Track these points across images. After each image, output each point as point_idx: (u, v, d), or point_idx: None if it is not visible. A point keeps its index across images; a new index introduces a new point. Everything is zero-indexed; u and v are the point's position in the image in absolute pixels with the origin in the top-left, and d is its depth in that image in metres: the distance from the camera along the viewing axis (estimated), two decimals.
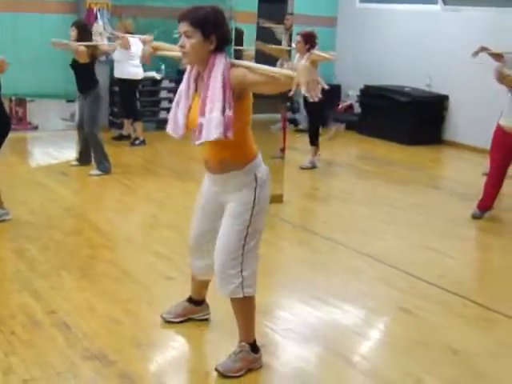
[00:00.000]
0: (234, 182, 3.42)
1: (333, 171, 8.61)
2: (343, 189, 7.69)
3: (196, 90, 3.40)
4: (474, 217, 6.55)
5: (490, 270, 5.52)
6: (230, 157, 3.38)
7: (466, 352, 3.91)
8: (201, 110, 3.25)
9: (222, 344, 3.84)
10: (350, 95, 11.67)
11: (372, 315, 4.44)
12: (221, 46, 3.31)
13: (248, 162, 3.40)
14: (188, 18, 3.24)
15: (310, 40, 7.81)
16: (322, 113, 8.64)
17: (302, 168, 8.38)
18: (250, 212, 3.40)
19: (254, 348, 3.59)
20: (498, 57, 6.53)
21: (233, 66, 3.28)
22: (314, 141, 8.49)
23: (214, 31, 3.26)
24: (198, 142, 3.28)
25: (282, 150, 8.80)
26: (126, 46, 8.59)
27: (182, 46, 3.27)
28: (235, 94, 3.22)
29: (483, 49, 6.76)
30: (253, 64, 3.44)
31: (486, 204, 6.55)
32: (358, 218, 6.52)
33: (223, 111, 3.18)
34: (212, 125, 3.18)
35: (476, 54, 6.85)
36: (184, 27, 3.25)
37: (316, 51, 7.72)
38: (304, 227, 6.20)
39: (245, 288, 3.46)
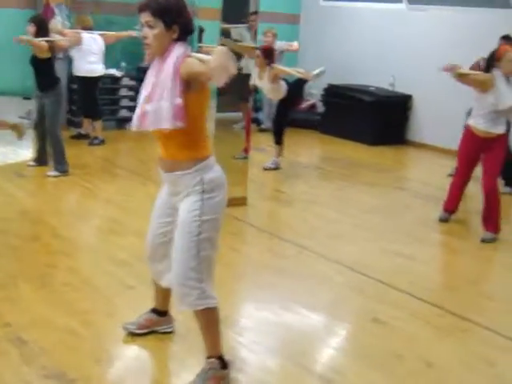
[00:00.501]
0: (183, 183, 3.27)
1: (297, 172, 8.46)
2: (308, 191, 7.54)
3: None
4: (442, 220, 6.48)
5: (459, 276, 5.40)
6: (179, 154, 3.24)
7: (440, 364, 3.80)
8: (149, 96, 3.13)
9: (187, 358, 3.68)
10: (313, 94, 11.55)
11: (342, 325, 4.32)
12: (183, 36, 3.18)
13: (197, 162, 3.24)
14: (149, 8, 3.10)
15: (269, 55, 7.72)
16: (287, 112, 8.49)
17: (266, 169, 8.22)
18: (198, 221, 3.23)
19: (223, 363, 3.42)
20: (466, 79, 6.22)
21: (189, 56, 3.14)
22: (278, 140, 8.34)
23: (177, 20, 3.14)
24: (135, 128, 3.14)
25: (246, 151, 8.67)
26: (77, 43, 8.35)
27: (145, 37, 3.13)
28: (186, 84, 3.08)
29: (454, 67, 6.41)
30: (205, 56, 3.26)
31: (452, 205, 6.48)
32: (325, 221, 6.38)
33: (172, 100, 3.04)
34: (159, 113, 3.06)
35: (447, 71, 6.48)
36: (146, 17, 3.12)
37: (279, 66, 7.69)
38: (269, 231, 6.03)
39: (206, 299, 3.29)
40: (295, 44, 9.89)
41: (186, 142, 3.22)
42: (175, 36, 3.14)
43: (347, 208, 6.81)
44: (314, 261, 5.32)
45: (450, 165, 8.40)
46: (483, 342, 4.13)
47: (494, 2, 9.25)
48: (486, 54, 6.14)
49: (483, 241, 5.98)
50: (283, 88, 7.95)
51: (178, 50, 3.13)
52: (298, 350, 3.89)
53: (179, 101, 3.05)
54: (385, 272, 5.09)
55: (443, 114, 9.69)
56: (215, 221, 3.30)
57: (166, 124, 3.06)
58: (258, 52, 7.64)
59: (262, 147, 8.96)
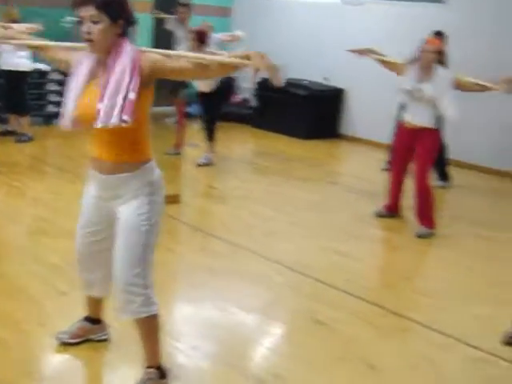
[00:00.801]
0: (127, 186, 3.10)
1: (230, 168, 8.35)
2: (241, 186, 7.46)
3: (91, 79, 3.05)
4: (378, 215, 6.48)
5: (395, 273, 5.38)
6: (124, 154, 3.07)
7: (383, 366, 3.75)
8: (101, 96, 2.92)
9: (123, 367, 3.55)
10: (245, 88, 11.44)
11: (281, 326, 4.25)
12: (126, 30, 3.02)
13: (143, 163, 3.10)
14: (93, 1, 2.89)
15: (202, 38, 7.51)
16: (218, 107, 8.36)
17: (199, 165, 8.09)
18: (147, 225, 3.09)
19: (162, 373, 3.30)
20: (389, 64, 6.31)
21: (142, 52, 3.01)
22: (210, 136, 8.21)
23: (121, 14, 2.97)
24: (99, 125, 2.90)
25: (177, 146, 8.53)
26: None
27: (89, 33, 2.92)
28: (143, 81, 2.93)
29: (369, 51, 6.52)
30: (171, 52, 3.23)
31: (393, 205, 6.49)
32: (260, 218, 6.29)
33: (125, 96, 2.88)
34: (111, 109, 2.87)
35: (358, 53, 6.55)
36: (89, 11, 2.89)
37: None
38: (203, 230, 5.90)
39: (149, 306, 3.17)
40: (238, 33, 9.46)
41: (132, 142, 3.07)
42: (120, 30, 2.98)
43: (282, 205, 6.74)
44: (250, 260, 5.23)
45: (384, 159, 8.46)
46: (423, 341, 4.12)
47: None
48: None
49: (419, 236, 6.00)
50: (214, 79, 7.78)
51: (129, 45, 2.98)
52: (236, 353, 3.80)
53: (133, 96, 2.88)
54: (323, 270, 5.04)
55: (376, 108, 9.72)
56: (159, 224, 3.19)
57: (115, 120, 2.87)
58: (192, 35, 7.49)
59: (195, 142, 8.82)
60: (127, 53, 2.95)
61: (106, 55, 2.99)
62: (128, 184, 3.10)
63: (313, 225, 6.19)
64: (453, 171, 8.05)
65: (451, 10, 9.01)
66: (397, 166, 6.38)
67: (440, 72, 5.88)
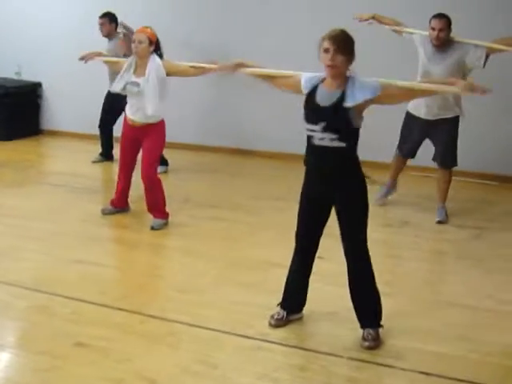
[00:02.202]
0: None
1: None
2: None
3: None
4: (105, 213, 6.22)
5: (145, 273, 5.13)
6: None
7: (163, 378, 3.57)
8: None
9: None
10: None
11: (38, 361, 3.75)
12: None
13: None
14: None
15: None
16: None
17: None
18: None
19: None
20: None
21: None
22: None
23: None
24: None
25: None
26: None
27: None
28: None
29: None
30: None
31: (120, 201, 6.24)
32: None
33: None
34: None
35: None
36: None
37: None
38: None
39: None
40: None
41: None
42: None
43: (1, 217, 6.17)
44: None
45: (93, 150, 8.18)
46: (196, 342, 3.99)
47: None
48: None
49: (153, 228, 5.86)
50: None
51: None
52: None
53: None
54: (72, 285, 4.68)
55: (77, 99, 9.35)
56: None
57: None
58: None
59: None
60: None
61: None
62: None
63: (44, 235, 5.72)
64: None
65: None
66: (122, 160, 6.15)
67: (154, 63, 5.69)
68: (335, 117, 3.69)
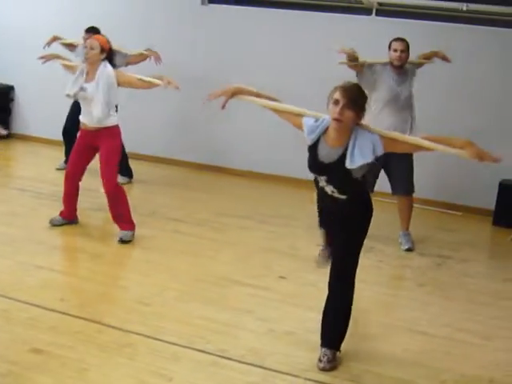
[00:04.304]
0: None
1: None
2: None
3: None
4: (53, 223, 6.08)
5: (108, 283, 5.08)
6: None
7: None
8: None
9: None
10: None
11: None
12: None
13: None
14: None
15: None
16: None
17: None
18: None
19: None
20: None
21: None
22: None
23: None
24: None
25: None
26: None
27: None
28: None
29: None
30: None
31: (69, 213, 6.14)
32: None
33: None
34: None
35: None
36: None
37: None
38: None
39: None
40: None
41: None
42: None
43: None
44: None
45: (61, 157, 8.12)
46: (153, 354, 3.97)
47: None
48: None
49: (123, 241, 5.80)
50: None
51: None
52: None
53: None
54: (32, 291, 4.64)
55: (49, 105, 9.28)
56: None
57: None
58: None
59: None
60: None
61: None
62: None
63: (7, 240, 5.67)
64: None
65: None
66: (70, 167, 6.08)
67: (104, 70, 5.69)
68: (337, 175, 3.69)
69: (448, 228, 7.10)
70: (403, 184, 6.26)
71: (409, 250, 6.21)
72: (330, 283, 3.95)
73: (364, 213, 3.90)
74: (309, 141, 3.75)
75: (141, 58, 7.58)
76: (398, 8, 8.07)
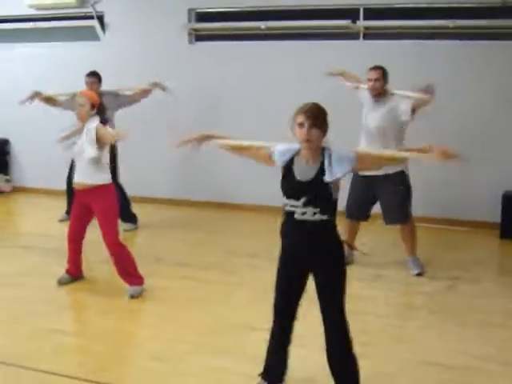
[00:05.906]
0: None
1: None
2: None
3: None
4: (61, 282, 6.03)
5: (124, 342, 5.03)
6: None
7: None
8: None
9: None
10: None
11: None
12: None
13: None
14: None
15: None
16: None
17: None
18: None
19: None
20: None
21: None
22: None
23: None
24: None
25: None
26: None
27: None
28: None
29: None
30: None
31: (75, 270, 6.11)
32: None
33: None
34: None
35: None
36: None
37: None
38: None
39: None
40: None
41: None
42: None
43: None
44: None
45: (62, 206, 8.08)
46: None
47: (82, 35, 9.17)
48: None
49: (132, 297, 5.72)
50: None
51: None
52: None
53: None
54: (47, 357, 4.55)
55: (46, 155, 9.30)
56: None
57: None
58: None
59: None
60: None
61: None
62: None
63: (14, 304, 5.58)
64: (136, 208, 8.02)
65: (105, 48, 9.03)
66: (70, 228, 6.01)
67: (90, 125, 5.59)
68: (316, 191, 3.67)
69: (455, 245, 7.08)
70: (391, 214, 6.17)
71: (419, 274, 6.19)
72: (327, 324, 3.86)
73: (337, 239, 3.82)
74: (281, 162, 3.79)
75: (145, 93, 7.70)
76: (384, 30, 8.13)
